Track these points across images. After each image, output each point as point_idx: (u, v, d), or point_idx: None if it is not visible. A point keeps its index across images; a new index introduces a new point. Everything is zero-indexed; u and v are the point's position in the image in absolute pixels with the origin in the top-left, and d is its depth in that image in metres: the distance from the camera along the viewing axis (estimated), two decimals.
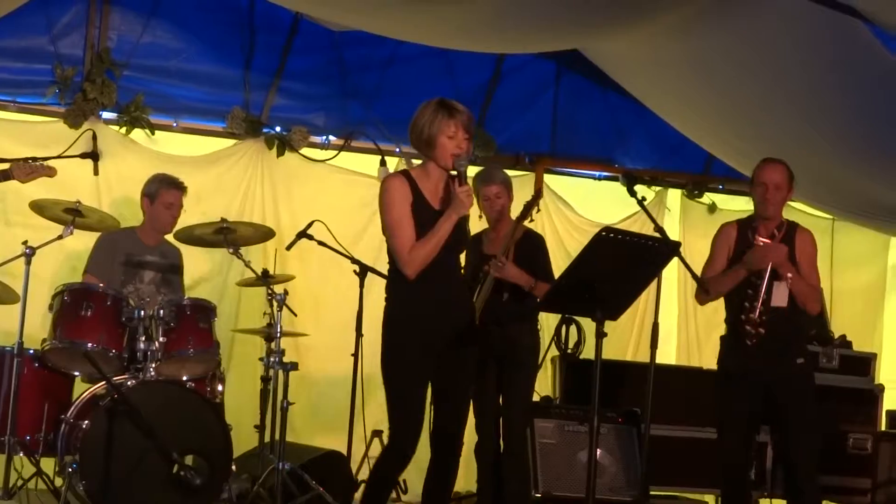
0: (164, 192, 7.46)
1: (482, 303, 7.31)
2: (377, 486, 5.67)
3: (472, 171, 8.07)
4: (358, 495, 7.52)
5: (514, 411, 7.41)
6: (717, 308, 8.96)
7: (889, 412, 9.22)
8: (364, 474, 7.67)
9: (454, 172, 5.46)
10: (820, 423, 6.70)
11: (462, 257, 5.82)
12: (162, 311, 6.78)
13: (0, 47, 8.32)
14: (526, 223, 7.35)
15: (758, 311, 6.48)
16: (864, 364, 9.19)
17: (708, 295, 6.58)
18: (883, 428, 9.02)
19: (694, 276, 6.49)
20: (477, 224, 7.73)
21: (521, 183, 9.06)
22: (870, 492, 8.53)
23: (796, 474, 6.63)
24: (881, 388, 9.28)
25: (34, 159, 6.32)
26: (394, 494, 8.06)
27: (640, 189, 6.65)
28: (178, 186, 7.52)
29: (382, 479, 5.67)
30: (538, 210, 7.45)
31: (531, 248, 7.41)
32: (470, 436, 7.65)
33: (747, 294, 6.50)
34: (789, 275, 6.40)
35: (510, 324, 7.36)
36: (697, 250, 8.57)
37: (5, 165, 6.07)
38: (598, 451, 6.00)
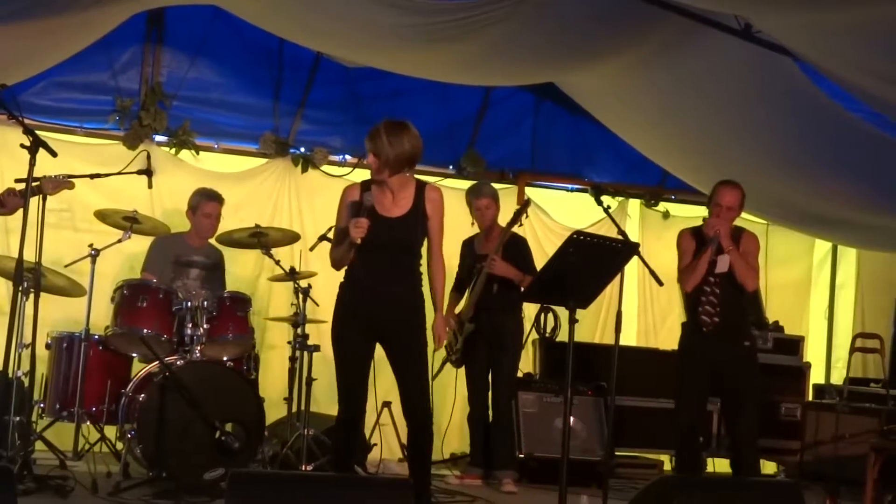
0: (203, 204, 7.45)
1: (476, 295, 7.33)
2: (338, 449, 5.74)
3: (465, 184, 8.14)
4: (371, 456, 7.54)
5: (501, 386, 7.43)
6: (671, 298, 9.03)
7: (815, 385, 9.23)
8: (375, 438, 7.66)
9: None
10: (761, 396, 6.75)
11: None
12: (205, 303, 6.75)
13: (68, 82, 8.25)
14: (515, 228, 7.38)
15: (712, 304, 6.53)
16: (794, 345, 9.23)
17: (689, 284, 6.64)
18: (810, 398, 9.04)
19: (651, 272, 6.52)
20: (469, 230, 7.75)
21: (506, 194, 8.98)
22: (799, 452, 8.53)
23: (741, 439, 6.71)
24: (808, 366, 9.35)
25: (66, 177, 6.29)
26: (400, 455, 8.07)
27: (606, 199, 6.64)
28: (215, 198, 7.49)
29: (340, 442, 5.69)
30: (527, 216, 7.47)
31: (517, 249, 7.43)
32: (465, 405, 7.72)
33: (703, 290, 6.58)
34: (730, 247, 6.50)
35: (498, 312, 7.38)
36: (653, 250, 8.67)
37: (36, 182, 6.02)
38: (572, 419, 5.99)
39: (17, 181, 5.65)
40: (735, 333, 6.67)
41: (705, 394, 6.84)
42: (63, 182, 6.22)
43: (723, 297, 6.58)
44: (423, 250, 5.67)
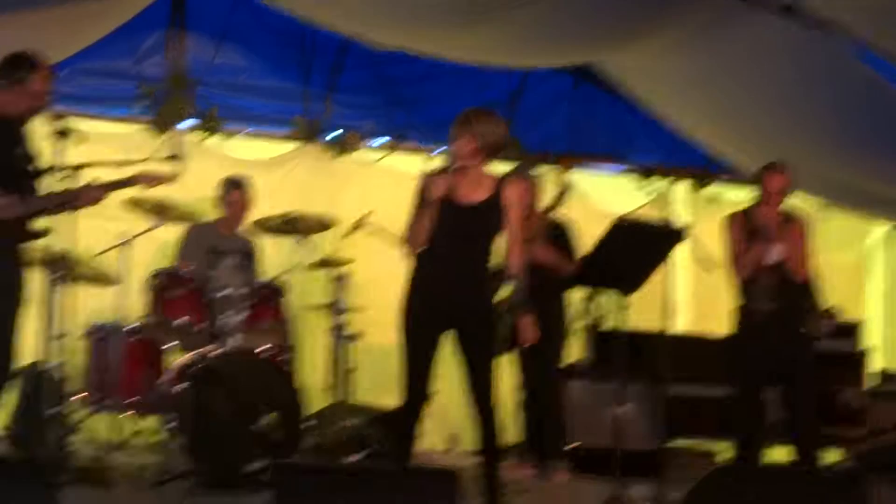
0: (227, 193, 7.59)
1: None
2: (398, 439, 5.76)
3: (500, 169, 8.18)
4: (416, 447, 7.59)
5: (548, 375, 7.47)
6: (723, 283, 9.02)
7: (882, 372, 9.25)
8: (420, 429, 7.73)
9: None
10: (819, 383, 6.78)
11: None
12: (240, 292, 6.80)
13: (92, 68, 8.33)
14: (557, 212, 7.42)
15: (768, 290, 6.59)
16: (851, 330, 9.23)
17: (742, 272, 6.67)
18: (868, 385, 9.07)
19: (700, 257, 6.56)
20: None
21: (545, 179, 9.09)
22: (861, 440, 8.54)
23: (800, 428, 6.75)
24: (866, 351, 9.35)
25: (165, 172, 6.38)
26: (446, 446, 8.15)
27: (652, 182, 6.67)
28: (237, 186, 7.62)
29: (401, 432, 5.74)
30: (566, 201, 7.50)
31: (561, 234, 7.48)
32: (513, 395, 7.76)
33: (759, 277, 6.62)
34: (781, 237, 6.56)
35: (542, 299, 7.41)
36: (702, 234, 8.62)
37: (130, 172, 6.11)
38: (623, 408, 6.02)
39: (47, 170, 5.73)
40: (791, 320, 6.72)
41: (762, 381, 6.88)
42: (163, 176, 6.29)
43: (778, 284, 6.63)
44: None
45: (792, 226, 6.73)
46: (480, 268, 5.68)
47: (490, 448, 5.65)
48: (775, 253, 6.57)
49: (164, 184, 6.34)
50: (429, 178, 5.61)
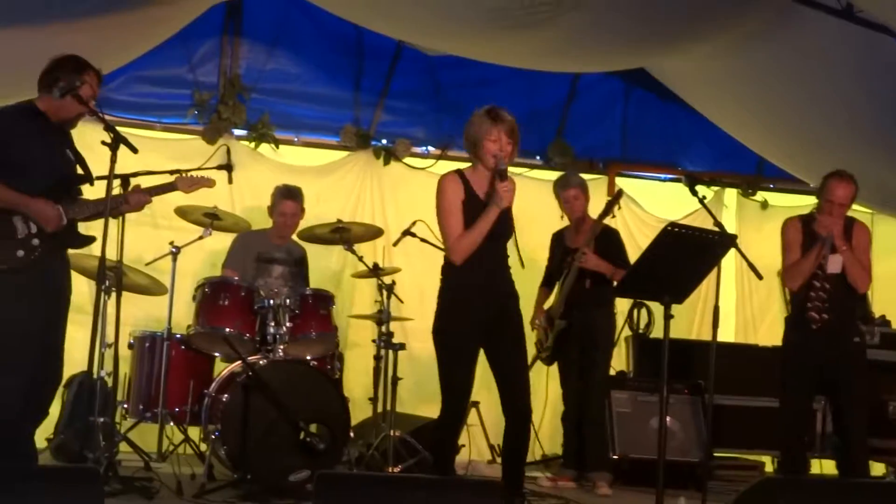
0: (280, 203, 7.55)
1: (567, 289, 7.33)
2: (438, 450, 5.67)
3: (552, 175, 8.15)
4: (459, 457, 7.57)
5: (593, 384, 7.41)
6: (770, 292, 8.94)
7: None
8: (463, 439, 7.69)
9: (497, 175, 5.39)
10: (869, 394, 6.65)
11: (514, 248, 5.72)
12: (288, 301, 6.77)
13: (146, 76, 8.42)
14: (606, 220, 7.37)
15: (821, 300, 6.46)
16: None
17: (799, 277, 6.55)
18: None
19: (750, 265, 6.43)
20: (558, 223, 7.75)
21: (596, 185, 9.02)
22: None
23: (850, 439, 6.61)
24: None
25: (204, 176, 6.35)
26: (489, 457, 8.11)
27: (700, 189, 6.56)
28: (292, 196, 7.55)
29: (440, 444, 5.66)
30: (619, 207, 7.43)
31: (609, 241, 7.42)
32: (556, 405, 7.72)
33: (813, 285, 6.48)
34: (844, 247, 6.39)
35: (590, 308, 7.37)
36: (751, 242, 8.57)
37: (170, 179, 6.13)
38: (668, 419, 5.97)
39: (99, 178, 5.76)
40: (844, 330, 6.56)
41: (812, 392, 6.77)
42: (201, 180, 6.27)
43: (833, 293, 6.47)
44: None
45: (853, 230, 6.58)
46: (508, 270, 5.62)
47: (520, 457, 5.60)
48: (836, 264, 6.43)
49: (203, 188, 6.34)
50: (456, 183, 5.52)
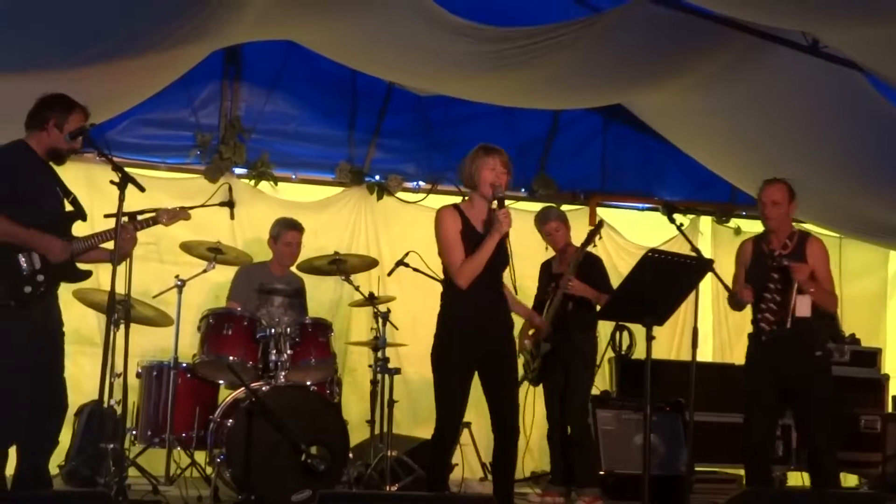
0: (284, 233, 7.52)
1: (553, 313, 7.31)
2: (433, 469, 5.66)
3: (537, 207, 8.15)
4: (453, 476, 7.53)
5: (576, 403, 7.37)
6: (746, 313, 8.89)
7: (895, 397, 9.09)
8: (456, 458, 7.64)
9: (495, 201, 5.42)
10: (832, 407, 6.55)
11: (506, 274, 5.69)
12: (289, 329, 6.75)
13: (151, 119, 8.42)
14: (589, 248, 7.35)
15: (772, 312, 6.34)
16: (872, 357, 9.08)
17: (738, 306, 6.51)
18: (890, 410, 8.89)
19: (726, 287, 6.44)
20: (545, 254, 7.74)
21: (578, 216, 9.05)
22: (880, 464, 8.39)
23: (815, 447, 6.45)
24: (886, 377, 9.19)
25: (182, 208, 6.36)
26: (481, 474, 8.07)
27: (677, 217, 6.56)
28: (295, 227, 7.55)
29: (436, 462, 5.64)
30: (600, 237, 7.44)
31: (592, 268, 7.40)
32: (542, 424, 7.68)
33: (763, 297, 6.36)
34: (812, 290, 6.25)
35: (574, 331, 7.34)
36: (727, 266, 8.48)
37: (151, 214, 6.12)
38: (651, 435, 5.93)
39: (107, 216, 5.74)
40: (802, 343, 6.34)
41: (775, 405, 6.53)
42: (179, 213, 6.24)
43: (782, 304, 6.32)
44: None
45: (811, 249, 6.42)
46: (504, 298, 5.65)
47: (508, 472, 5.60)
48: (805, 307, 6.26)
49: (181, 220, 6.29)
50: (453, 214, 5.55)
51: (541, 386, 7.55)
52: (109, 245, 5.60)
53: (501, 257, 5.50)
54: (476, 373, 5.53)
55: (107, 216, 5.70)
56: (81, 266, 5.69)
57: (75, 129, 5.55)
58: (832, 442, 6.52)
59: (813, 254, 6.39)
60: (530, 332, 7.50)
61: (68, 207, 5.68)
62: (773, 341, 6.33)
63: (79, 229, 5.72)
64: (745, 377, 6.58)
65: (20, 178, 5.46)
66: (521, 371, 7.16)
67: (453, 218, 5.54)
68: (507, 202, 5.52)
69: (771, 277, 6.36)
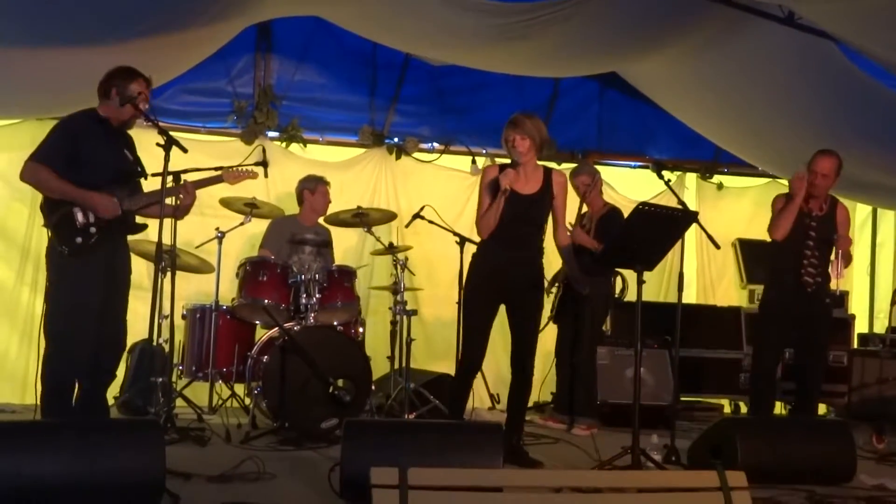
0: (320, 186, 7.56)
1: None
2: (456, 391, 5.83)
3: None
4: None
5: (584, 341, 7.35)
6: (726, 260, 8.92)
7: (860, 335, 9.10)
8: None
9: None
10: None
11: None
12: (317, 275, 6.80)
13: (192, 88, 8.40)
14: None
15: (813, 267, 6.46)
16: (840, 299, 9.03)
17: (777, 232, 6.53)
18: (855, 346, 8.91)
19: (709, 236, 6.38)
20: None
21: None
22: (846, 394, 8.42)
23: (809, 388, 6.62)
24: (853, 317, 9.20)
25: (246, 170, 6.33)
26: (490, 404, 8.12)
27: (666, 174, 6.53)
28: (327, 182, 7.62)
29: (458, 385, 5.80)
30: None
31: (611, 222, 7.30)
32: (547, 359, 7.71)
33: (805, 254, 6.48)
34: (850, 260, 6.46)
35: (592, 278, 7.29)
36: (710, 218, 8.57)
37: (217, 173, 6.15)
38: (641, 369, 5.95)
39: (154, 175, 5.75)
40: (823, 293, 6.54)
41: (785, 345, 6.78)
42: (245, 173, 6.27)
43: (820, 261, 6.50)
44: None
45: (839, 211, 6.60)
46: (535, 249, 5.73)
47: (522, 404, 5.75)
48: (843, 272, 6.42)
49: (247, 179, 6.35)
50: (493, 171, 5.66)
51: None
52: (168, 201, 5.61)
53: (531, 215, 5.63)
54: (505, 308, 5.70)
55: (153, 175, 5.73)
56: (139, 220, 5.72)
57: (124, 97, 5.57)
58: (821, 382, 6.67)
59: (841, 218, 6.59)
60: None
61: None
62: (806, 291, 6.43)
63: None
64: (762, 318, 6.69)
65: (83, 141, 5.49)
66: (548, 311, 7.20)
67: (490, 173, 5.71)
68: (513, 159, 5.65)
69: (809, 235, 6.48)
